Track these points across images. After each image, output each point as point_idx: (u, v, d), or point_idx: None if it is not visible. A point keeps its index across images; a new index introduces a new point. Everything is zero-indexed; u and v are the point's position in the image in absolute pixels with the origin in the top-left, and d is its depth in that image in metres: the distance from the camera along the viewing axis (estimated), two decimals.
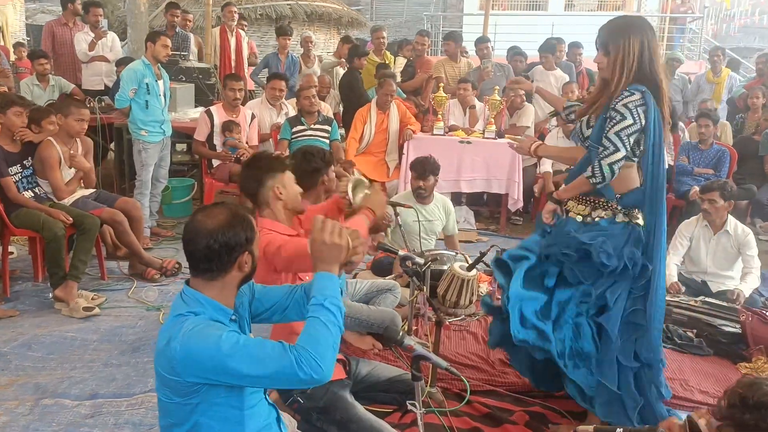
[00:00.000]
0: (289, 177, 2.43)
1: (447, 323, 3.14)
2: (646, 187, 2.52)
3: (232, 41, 7.43)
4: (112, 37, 6.86)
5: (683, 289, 4.01)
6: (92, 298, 3.94)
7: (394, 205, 3.44)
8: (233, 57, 7.42)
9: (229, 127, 5.28)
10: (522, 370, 2.91)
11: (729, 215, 4.12)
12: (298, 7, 11.07)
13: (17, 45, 8.51)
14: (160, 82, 5.00)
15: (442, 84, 6.16)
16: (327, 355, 1.47)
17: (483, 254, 3.38)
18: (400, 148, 5.98)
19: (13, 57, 7.87)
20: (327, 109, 6.21)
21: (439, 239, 4.55)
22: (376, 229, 2.92)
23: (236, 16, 7.55)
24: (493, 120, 5.91)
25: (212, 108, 5.45)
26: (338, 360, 2.32)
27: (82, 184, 4.43)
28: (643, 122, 2.42)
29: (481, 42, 6.92)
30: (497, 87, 6.02)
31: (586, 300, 2.57)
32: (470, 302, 3.66)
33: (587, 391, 2.54)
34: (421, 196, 4.23)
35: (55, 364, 3.20)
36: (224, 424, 1.59)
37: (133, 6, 7.38)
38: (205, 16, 7.79)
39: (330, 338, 1.50)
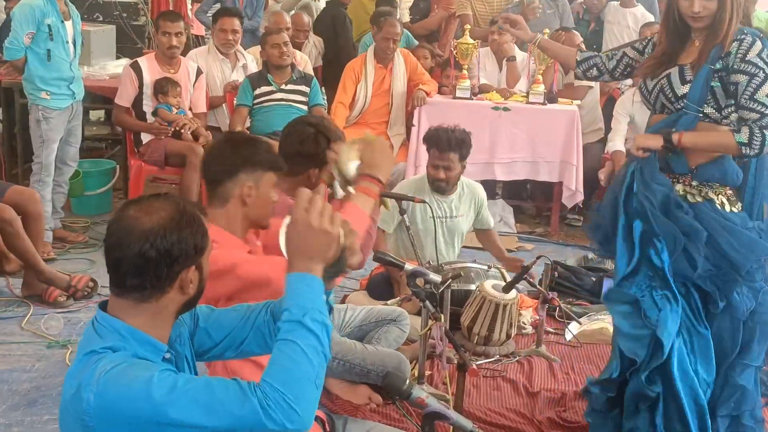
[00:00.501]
0: (269, 180, 2.47)
1: (474, 367, 3.13)
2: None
3: None
4: None
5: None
6: None
7: (398, 198, 3.44)
8: None
9: (164, 87, 5.28)
10: None
11: None
12: None
13: None
14: (68, 24, 5.00)
15: (468, 26, 6.16)
16: (306, 396, 1.48)
17: (526, 268, 3.39)
18: (409, 117, 5.99)
19: None
20: (305, 61, 6.22)
21: (465, 247, 4.55)
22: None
23: None
24: (541, 77, 5.91)
25: (141, 60, 5.45)
26: (316, 418, 2.33)
27: None
28: None
29: None
30: (547, 30, 6.02)
31: None
32: (508, 336, 3.66)
33: None
34: (441, 189, 4.23)
35: None
36: None
37: None
38: None
39: (310, 371, 1.50)
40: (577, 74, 3.20)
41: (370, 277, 4.23)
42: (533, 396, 3.48)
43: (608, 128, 5.96)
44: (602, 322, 4.01)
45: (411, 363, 3.37)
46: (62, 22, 4.95)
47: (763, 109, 2.63)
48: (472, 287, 3.77)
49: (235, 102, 5.56)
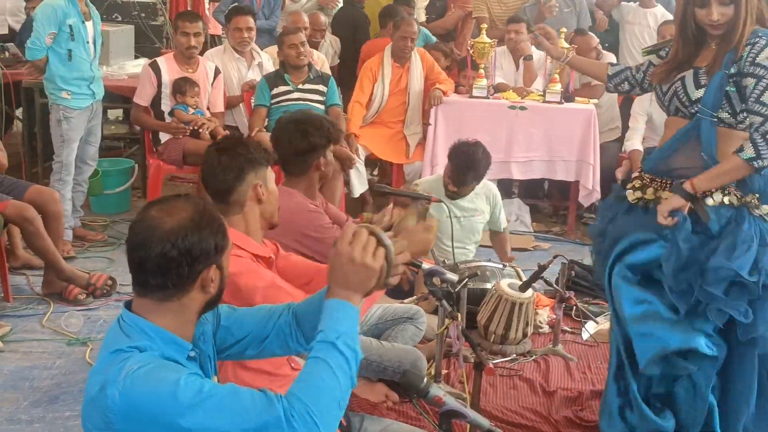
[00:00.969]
0: (271, 175, 2.49)
1: (491, 366, 3.13)
2: None
3: None
4: None
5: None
6: None
7: (414, 197, 3.45)
8: None
9: (182, 87, 5.31)
10: None
11: None
12: None
13: None
14: (89, 24, 5.04)
15: (485, 25, 6.16)
16: (329, 413, 1.50)
17: (543, 268, 3.38)
18: (426, 116, 6.00)
19: None
20: (322, 61, 6.24)
21: (482, 246, 4.56)
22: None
23: None
24: (558, 76, 5.90)
25: (160, 60, 5.48)
26: None
27: None
28: None
29: None
30: (564, 29, 6.01)
31: None
32: (524, 335, 3.67)
33: None
34: (453, 197, 4.27)
35: None
36: None
37: None
38: None
39: (337, 390, 1.53)
40: (608, 89, 3.13)
41: None
42: (550, 395, 3.49)
43: (626, 127, 5.93)
44: None
45: (428, 362, 3.38)
46: (83, 22, 4.99)
47: (766, 111, 2.59)
48: (489, 286, 3.77)
49: (252, 102, 5.58)
